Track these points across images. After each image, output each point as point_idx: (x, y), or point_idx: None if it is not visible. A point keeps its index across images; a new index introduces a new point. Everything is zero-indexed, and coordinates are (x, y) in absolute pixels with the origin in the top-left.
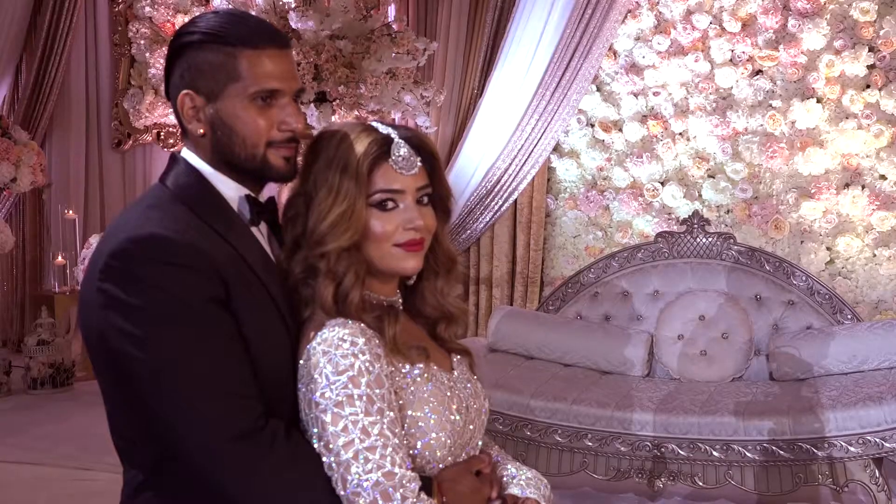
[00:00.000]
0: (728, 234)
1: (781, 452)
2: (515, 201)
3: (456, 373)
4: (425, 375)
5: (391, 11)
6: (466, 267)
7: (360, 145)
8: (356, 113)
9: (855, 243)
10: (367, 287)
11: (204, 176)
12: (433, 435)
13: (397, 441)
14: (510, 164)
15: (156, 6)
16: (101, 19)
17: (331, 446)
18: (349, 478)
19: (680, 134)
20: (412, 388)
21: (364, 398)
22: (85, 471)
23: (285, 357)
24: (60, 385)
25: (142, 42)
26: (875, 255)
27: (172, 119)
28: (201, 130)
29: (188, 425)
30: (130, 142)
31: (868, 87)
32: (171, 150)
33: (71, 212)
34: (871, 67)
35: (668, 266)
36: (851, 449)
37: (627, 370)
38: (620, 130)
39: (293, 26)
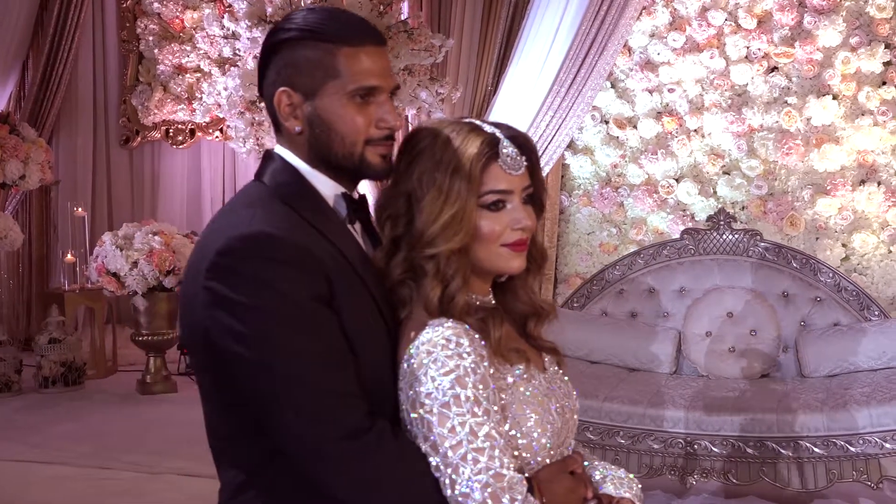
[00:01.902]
0: (754, 230)
1: (815, 449)
2: None
3: (549, 372)
4: (525, 376)
5: (405, 8)
6: None
7: (472, 146)
8: None
9: (870, 240)
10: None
11: (301, 173)
12: (534, 436)
13: (504, 442)
14: None
15: (164, 2)
16: (109, 16)
17: (438, 447)
18: (458, 480)
19: (695, 130)
20: (513, 389)
21: (471, 399)
22: (106, 470)
23: (385, 356)
24: (72, 384)
25: (150, 38)
26: (891, 252)
27: (182, 116)
28: (298, 128)
29: (295, 424)
30: (139, 139)
31: (884, 83)
32: (180, 146)
33: (80, 209)
34: (887, 64)
35: (695, 263)
36: (886, 445)
37: (655, 367)
38: (635, 127)
39: None
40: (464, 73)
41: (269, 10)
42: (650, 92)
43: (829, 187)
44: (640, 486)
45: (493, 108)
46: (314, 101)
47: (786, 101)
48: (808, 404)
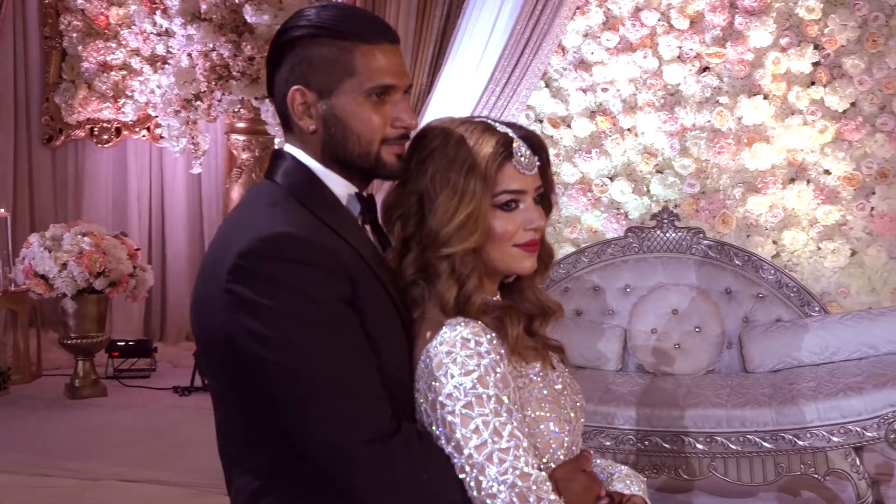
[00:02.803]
0: (697, 228)
1: (764, 443)
2: None
3: (559, 370)
4: (541, 375)
5: None
6: None
7: (487, 146)
8: None
9: (800, 237)
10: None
11: (314, 173)
12: (554, 434)
13: (526, 442)
14: None
15: None
16: (31, 11)
17: (462, 448)
18: (483, 480)
19: (628, 129)
20: (531, 388)
21: (493, 399)
22: (46, 477)
23: (403, 357)
24: None
25: (74, 35)
26: (819, 249)
27: (107, 114)
28: (312, 126)
29: (322, 427)
30: (62, 137)
31: (813, 83)
32: (105, 145)
33: (2, 210)
34: (816, 65)
35: (639, 261)
36: (833, 438)
37: (602, 365)
38: (569, 126)
39: (247, 20)
40: None
41: (204, 7)
42: (584, 91)
43: (759, 185)
44: (644, 480)
45: (428, 107)
46: (329, 100)
47: (717, 101)
48: (755, 399)
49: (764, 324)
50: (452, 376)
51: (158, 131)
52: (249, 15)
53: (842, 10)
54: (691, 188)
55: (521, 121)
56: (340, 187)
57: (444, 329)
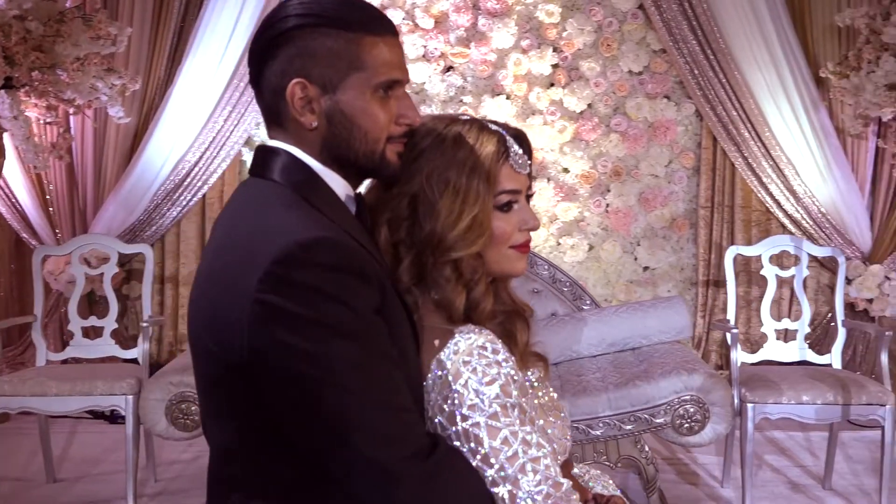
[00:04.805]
0: None
1: None
2: (205, 196)
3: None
4: (540, 381)
5: None
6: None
7: (489, 144)
8: (47, 101)
9: (542, 233)
10: None
11: (315, 171)
12: (558, 440)
13: (550, 449)
14: (200, 158)
15: None
16: None
17: (492, 461)
18: (518, 492)
19: None
20: (534, 395)
21: (517, 407)
22: None
23: (418, 367)
24: None
25: None
26: (559, 244)
27: None
28: (315, 123)
29: (365, 445)
30: None
31: (552, 85)
32: None
33: None
34: (555, 67)
35: None
36: (625, 427)
37: None
38: None
39: None
40: (135, 63)
41: None
42: None
43: None
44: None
45: (169, 101)
46: (335, 95)
47: (462, 100)
48: None
49: (542, 318)
50: (474, 388)
51: None
52: None
53: (579, 15)
54: None
55: None
56: (340, 187)
57: (457, 337)
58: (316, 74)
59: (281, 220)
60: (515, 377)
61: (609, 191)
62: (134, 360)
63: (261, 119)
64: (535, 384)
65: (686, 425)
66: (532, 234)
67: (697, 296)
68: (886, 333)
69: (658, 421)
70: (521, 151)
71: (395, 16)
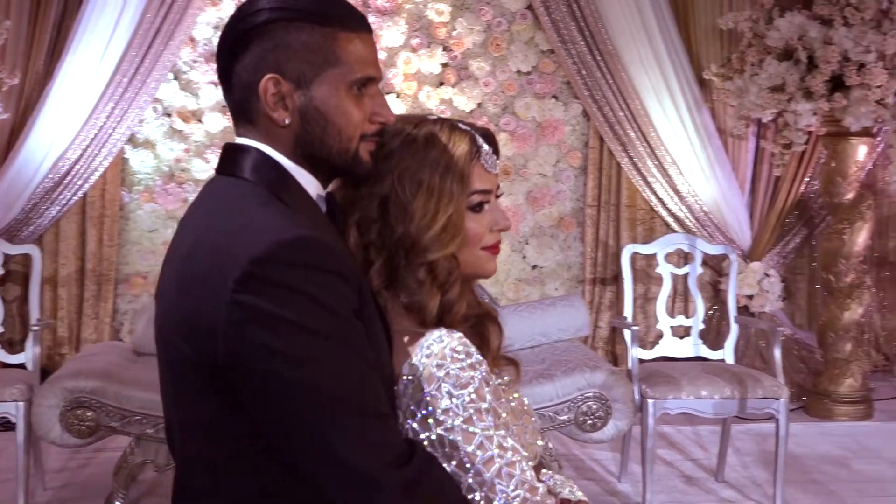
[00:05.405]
0: None
1: None
2: (85, 195)
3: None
4: (511, 385)
5: None
6: (25, 266)
7: (462, 143)
8: None
9: None
10: None
11: (286, 170)
12: (529, 445)
13: (525, 453)
14: (81, 155)
15: None
16: None
17: (467, 466)
18: (495, 498)
19: None
20: (504, 399)
21: (491, 411)
22: None
23: (391, 371)
24: None
25: None
26: None
27: None
28: (287, 119)
29: (345, 451)
30: None
31: (442, 84)
32: None
33: None
34: (444, 66)
35: None
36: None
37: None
38: (200, 121)
39: None
40: (12, 57)
41: None
42: (215, 85)
43: None
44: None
45: (49, 97)
46: (309, 91)
47: None
48: None
49: None
50: (447, 391)
51: None
52: None
53: (468, 14)
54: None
55: (149, 114)
56: (311, 186)
57: (427, 340)
58: (290, 70)
59: (259, 219)
60: (489, 381)
61: None
62: (19, 366)
63: (144, 117)
64: (507, 387)
65: (589, 422)
66: None
67: (584, 293)
68: (779, 329)
69: (562, 418)
70: (490, 150)
71: None
